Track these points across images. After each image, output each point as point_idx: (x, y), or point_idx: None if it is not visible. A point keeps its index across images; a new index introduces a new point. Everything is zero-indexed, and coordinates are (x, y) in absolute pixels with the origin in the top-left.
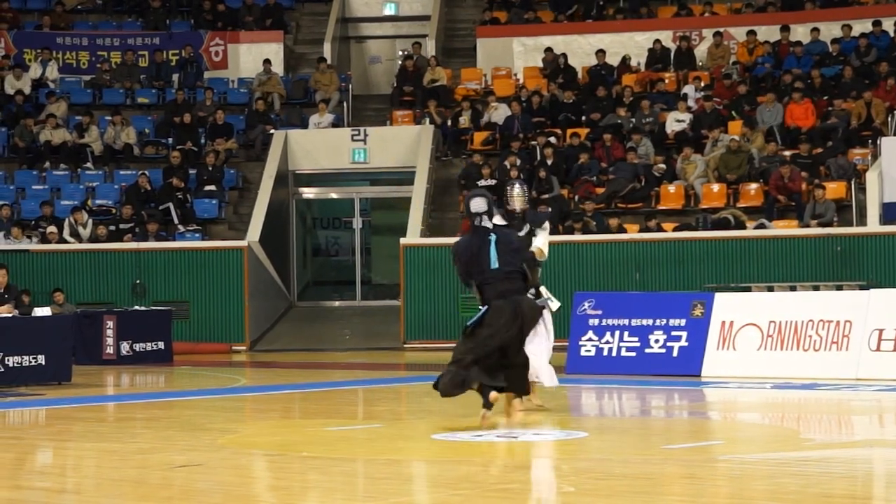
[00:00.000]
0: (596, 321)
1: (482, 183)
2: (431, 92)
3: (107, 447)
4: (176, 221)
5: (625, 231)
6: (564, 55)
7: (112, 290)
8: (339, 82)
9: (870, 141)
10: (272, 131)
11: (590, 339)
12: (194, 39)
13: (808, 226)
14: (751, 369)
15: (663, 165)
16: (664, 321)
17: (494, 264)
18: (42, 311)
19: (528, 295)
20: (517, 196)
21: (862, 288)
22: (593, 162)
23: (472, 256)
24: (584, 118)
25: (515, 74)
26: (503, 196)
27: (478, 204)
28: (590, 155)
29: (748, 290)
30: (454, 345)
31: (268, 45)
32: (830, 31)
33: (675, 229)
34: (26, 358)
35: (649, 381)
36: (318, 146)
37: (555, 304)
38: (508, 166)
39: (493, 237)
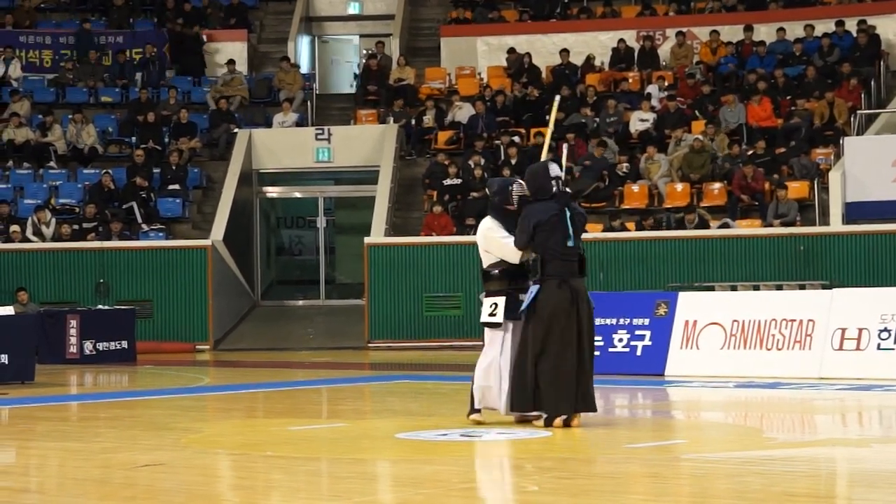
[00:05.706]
0: None
1: (448, 182)
2: (396, 91)
3: (70, 447)
4: (139, 220)
5: (588, 231)
6: (528, 54)
7: (75, 290)
8: (302, 81)
9: (832, 141)
10: (236, 130)
11: None
12: (158, 38)
13: (771, 225)
14: (714, 368)
15: (627, 165)
16: (628, 320)
17: (571, 241)
18: (5, 311)
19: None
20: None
21: (825, 287)
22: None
23: (549, 224)
24: (547, 117)
25: (479, 74)
26: (507, 194)
27: (556, 169)
28: (553, 154)
29: (711, 289)
30: (419, 344)
31: (232, 44)
32: (793, 31)
33: (638, 228)
34: None
35: (613, 381)
36: (281, 145)
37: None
38: (472, 165)
39: (568, 211)
